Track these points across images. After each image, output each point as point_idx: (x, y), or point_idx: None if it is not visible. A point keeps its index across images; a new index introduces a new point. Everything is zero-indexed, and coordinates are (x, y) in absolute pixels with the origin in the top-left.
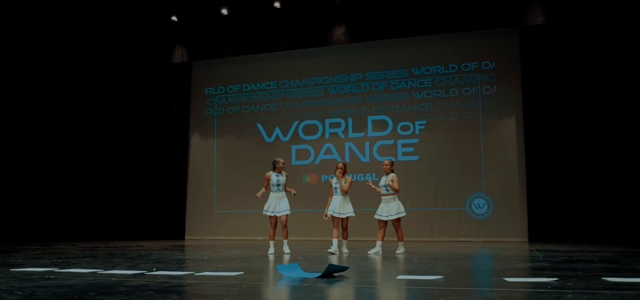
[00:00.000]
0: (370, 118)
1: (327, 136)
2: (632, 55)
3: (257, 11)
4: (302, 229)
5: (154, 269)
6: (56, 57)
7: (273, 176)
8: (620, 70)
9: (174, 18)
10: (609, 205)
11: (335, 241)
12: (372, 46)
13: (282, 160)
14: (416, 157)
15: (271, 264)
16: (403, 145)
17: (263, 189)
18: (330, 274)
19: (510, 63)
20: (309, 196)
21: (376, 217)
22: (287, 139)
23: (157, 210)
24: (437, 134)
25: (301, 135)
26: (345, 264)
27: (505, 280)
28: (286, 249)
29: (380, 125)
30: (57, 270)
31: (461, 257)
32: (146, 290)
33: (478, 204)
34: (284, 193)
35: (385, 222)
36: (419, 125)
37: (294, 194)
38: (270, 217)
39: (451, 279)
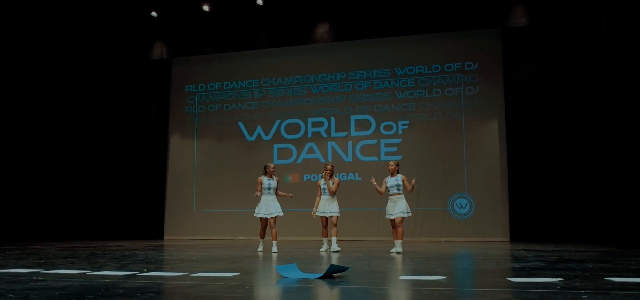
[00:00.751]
0: (353, 117)
1: (309, 135)
2: (613, 56)
3: (239, 8)
4: (284, 229)
5: (145, 269)
6: (28, 53)
7: (265, 180)
8: (601, 72)
9: (153, 14)
10: (588, 206)
11: (325, 240)
12: (356, 45)
13: (272, 165)
14: (399, 157)
15: (265, 264)
16: (386, 145)
17: (258, 192)
18: (331, 274)
19: (493, 64)
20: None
21: (387, 216)
22: (269, 137)
23: (135, 209)
24: (420, 133)
25: (283, 134)
26: (344, 264)
27: (510, 281)
28: (275, 249)
29: (363, 124)
30: (43, 271)
31: (453, 257)
32: (147, 292)
33: (460, 204)
34: (274, 196)
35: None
36: (402, 125)
37: (291, 196)
38: (260, 219)
39: (455, 280)
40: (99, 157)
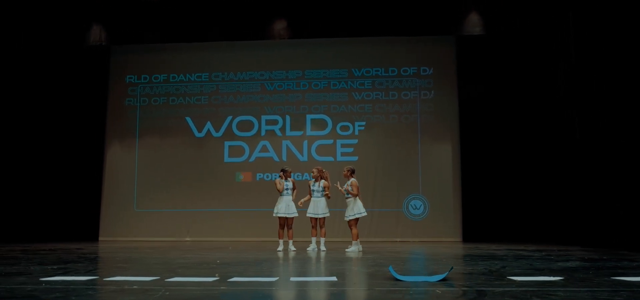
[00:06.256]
0: (309, 117)
1: (263, 133)
2: (563, 63)
3: None
4: (234, 229)
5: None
6: None
7: (284, 183)
8: (553, 79)
9: None
10: (539, 207)
11: (314, 240)
12: (313, 44)
13: (289, 168)
14: (355, 158)
15: (342, 266)
16: (342, 146)
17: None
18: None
19: (448, 70)
20: (242, 195)
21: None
22: (219, 134)
23: (67, 208)
24: (376, 135)
25: (235, 131)
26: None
27: (615, 279)
28: (292, 247)
29: (319, 124)
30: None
31: (463, 259)
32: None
33: (415, 205)
34: (291, 197)
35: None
36: (359, 126)
37: (302, 204)
38: (280, 218)
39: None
40: (29, 151)
